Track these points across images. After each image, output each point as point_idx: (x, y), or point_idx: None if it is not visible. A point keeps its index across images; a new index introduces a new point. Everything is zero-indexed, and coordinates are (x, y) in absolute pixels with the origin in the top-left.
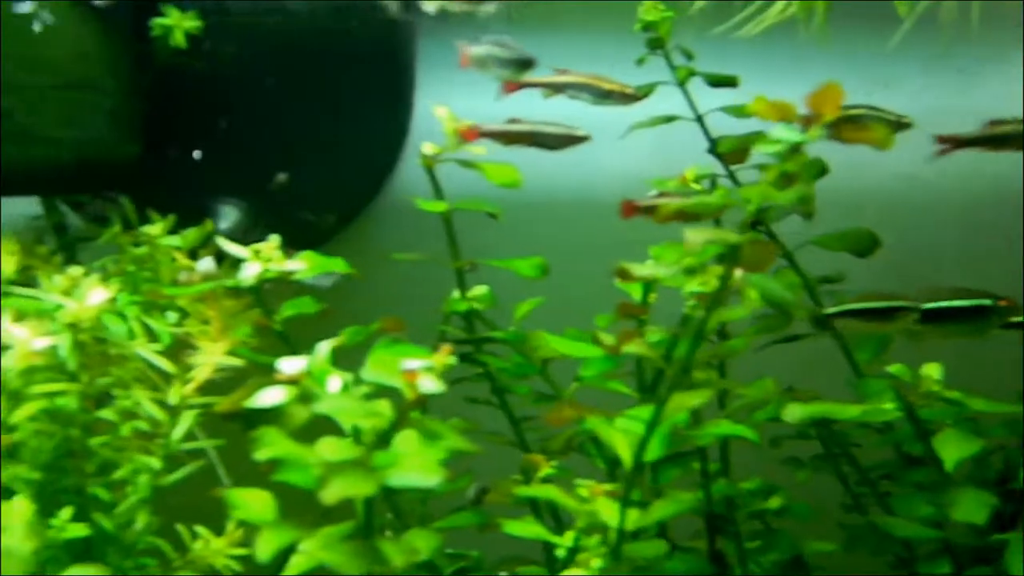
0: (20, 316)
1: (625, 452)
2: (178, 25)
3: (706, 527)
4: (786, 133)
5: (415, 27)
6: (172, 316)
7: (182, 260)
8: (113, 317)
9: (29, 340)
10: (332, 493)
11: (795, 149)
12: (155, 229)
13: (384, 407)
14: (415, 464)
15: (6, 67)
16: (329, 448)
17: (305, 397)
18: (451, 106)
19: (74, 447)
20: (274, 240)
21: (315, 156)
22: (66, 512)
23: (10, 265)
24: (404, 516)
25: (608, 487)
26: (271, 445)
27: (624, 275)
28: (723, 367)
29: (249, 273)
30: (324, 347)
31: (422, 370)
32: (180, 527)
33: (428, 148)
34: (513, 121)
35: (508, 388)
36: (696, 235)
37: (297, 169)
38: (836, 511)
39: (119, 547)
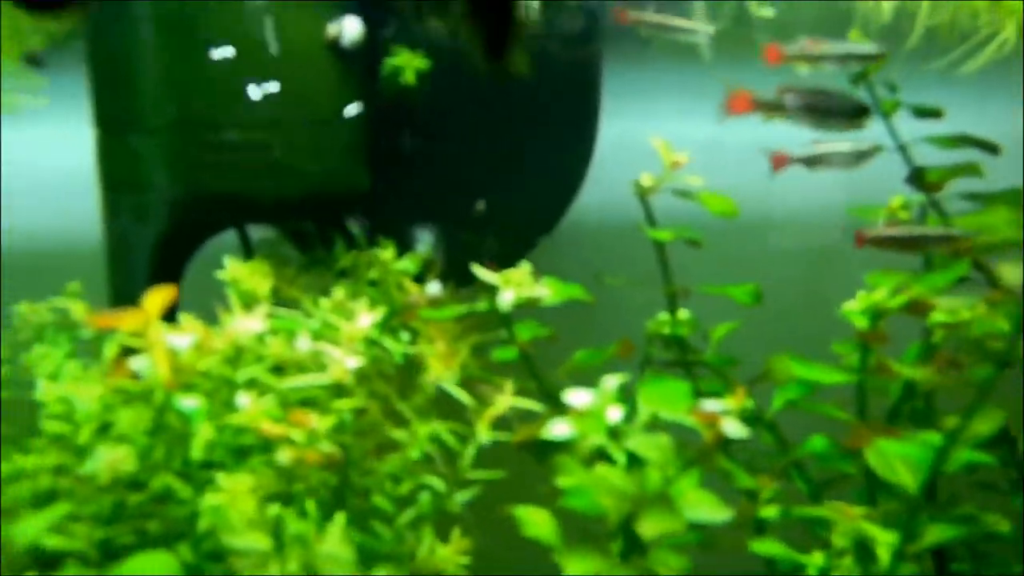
0: (319, 337)
1: (907, 478)
2: (409, 64)
3: (932, 553)
4: None
5: (602, 53)
6: (405, 337)
7: (408, 284)
8: (387, 337)
9: (343, 359)
10: (649, 529)
11: None
12: (387, 254)
13: (677, 446)
14: (702, 500)
15: (267, 104)
16: (630, 481)
17: (594, 430)
18: (631, 130)
19: (358, 460)
20: (525, 268)
21: (514, 183)
22: (340, 518)
23: (264, 286)
24: None
25: (860, 510)
26: (570, 473)
27: (855, 303)
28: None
29: (505, 299)
30: (611, 381)
31: (724, 413)
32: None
33: (646, 179)
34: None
35: None
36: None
37: (497, 196)
38: None
39: (397, 559)
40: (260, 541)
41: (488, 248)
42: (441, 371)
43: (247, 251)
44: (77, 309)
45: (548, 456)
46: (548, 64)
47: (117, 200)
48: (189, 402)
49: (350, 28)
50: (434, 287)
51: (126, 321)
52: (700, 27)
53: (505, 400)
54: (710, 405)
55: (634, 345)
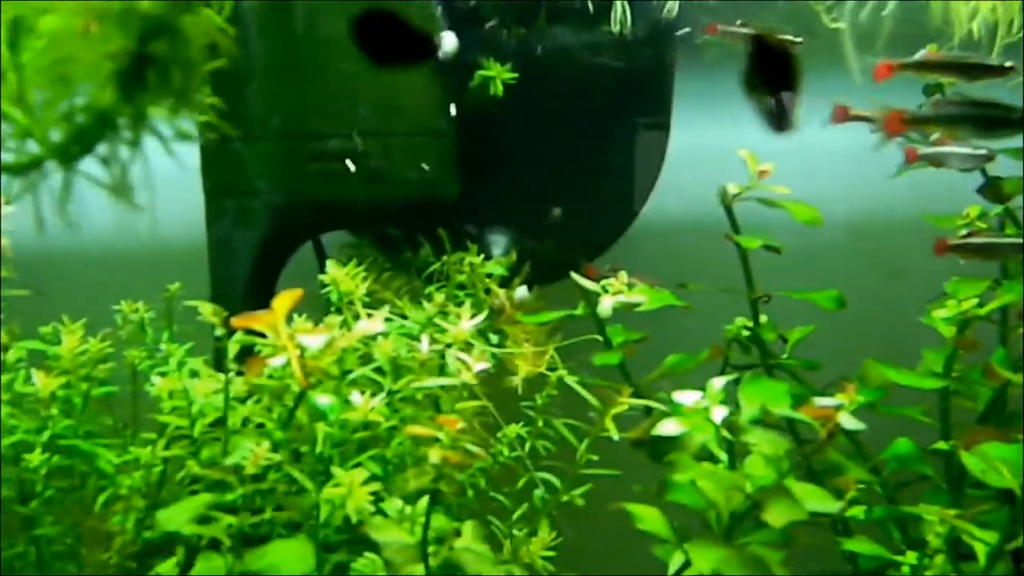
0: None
1: (1010, 479)
2: (498, 76)
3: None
4: None
5: (675, 61)
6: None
7: (494, 287)
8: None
9: (472, 364)
10: (776, 518)
11: None
12: (475, 258)
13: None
14: (812, 493)
15: (367, 115)
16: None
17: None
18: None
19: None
20: (622, 275)
21: (589, 189)
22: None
23: (361, 289)
24: None
25: (951, 512)
26: (683, 469)
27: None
28: None
29: (605, 306)
30: (718, 383)
31: (840, 408)
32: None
33: (732, 187)
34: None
35: None
36: None
37: (571, 202)
38: None
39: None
40: (404, 536)
41: (561, 253)
42: (529, 372)
43: (321, 259)
44: (206, 310)
45: (661, 453)
46: (634, 78)
47: (221, 205)
48: (323, 399)
49: (447, 42)
50: (522, 291)
51: (259, 321)
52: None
53: (625, 400)
54: (824, 401)
55: (724, 350)
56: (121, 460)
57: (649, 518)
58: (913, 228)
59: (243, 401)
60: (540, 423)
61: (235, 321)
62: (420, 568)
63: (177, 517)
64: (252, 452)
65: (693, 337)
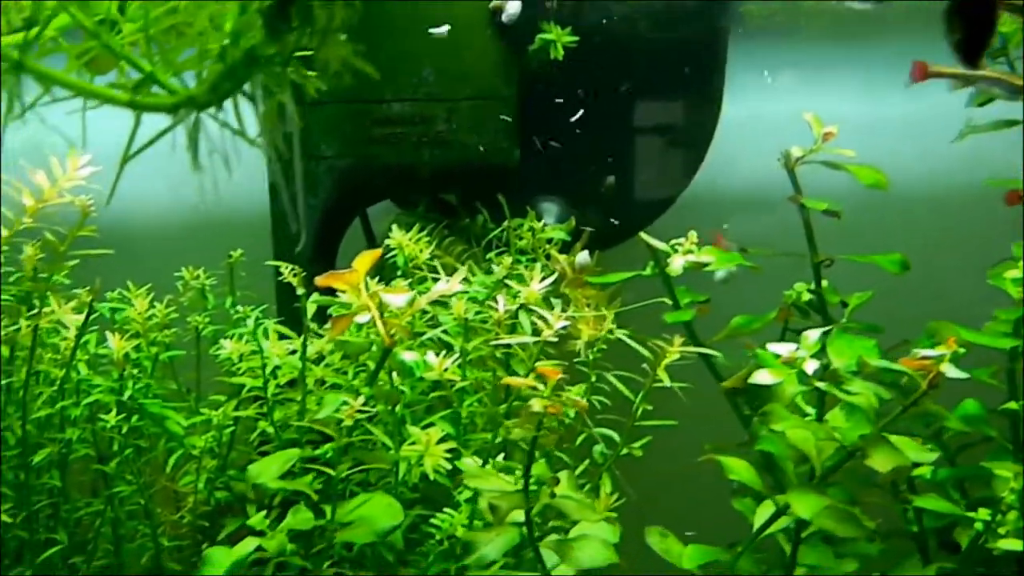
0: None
1: None
2: (558, 39)
3: None
4: None
5: (729, 30)
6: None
7: (554, 253)
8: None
9: (553, 320)
10: (881, 464)
11: None
12: (536, 223)
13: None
14: (906, 444)
15: (431, 80)
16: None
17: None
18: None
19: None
20: (692, 236)
21: (644, 158)
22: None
23: (424, 253)
24: None
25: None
26: (779, 420)
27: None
28: None
29: (676, 265)
30: (813, 335)
31: (942, 359)
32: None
33: (796, 151)
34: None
35: None
36: None
37: (626, 169)
38: None
39: None
40: (503, 484)
41: (614, 220)
42: (591, 336)
43: (367, 230)
44: (285, 270)
45: (757, 402)
46: (691, 48)
47: (285, 170)
48: (409, 355)
49: (511, 7)
50: (583, 256)
51: (342, 280)
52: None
53: (674, 352)
54: (927, 353)
55: (788, 312)
56: (190, 422)
57: (739, 469)
58: (964, 196)
59: (315, 362)
60: (593, 378)
61: (320, 280)
62: (521, 514)
63: (267, 471)
64: (348, 405)
65: (750, 303)
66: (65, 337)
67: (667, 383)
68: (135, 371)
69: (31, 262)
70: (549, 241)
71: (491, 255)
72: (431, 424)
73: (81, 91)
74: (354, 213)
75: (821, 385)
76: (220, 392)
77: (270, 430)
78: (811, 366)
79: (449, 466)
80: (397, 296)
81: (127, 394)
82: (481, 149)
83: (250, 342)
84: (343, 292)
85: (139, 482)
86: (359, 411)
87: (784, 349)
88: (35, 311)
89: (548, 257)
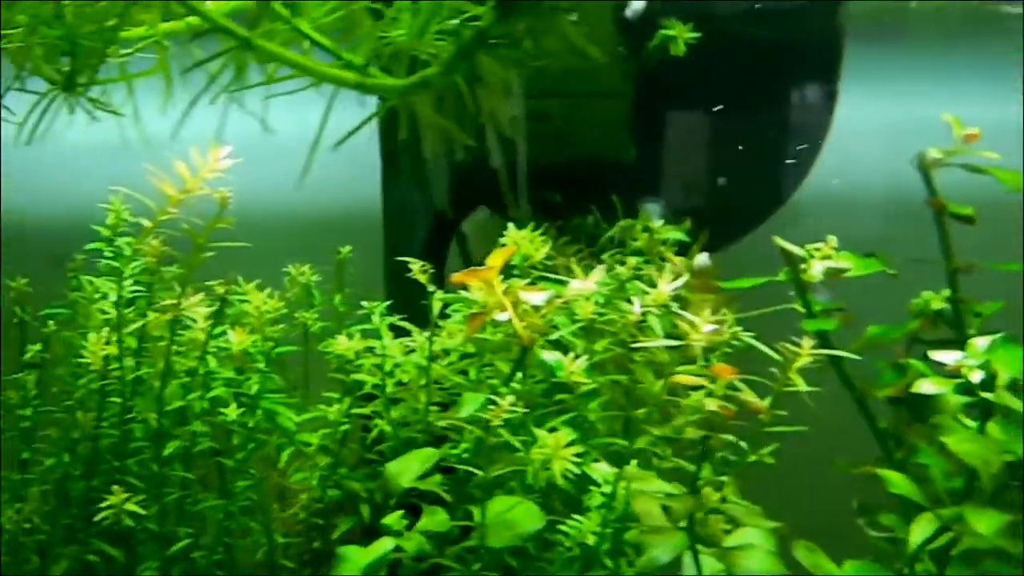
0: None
1: None
2: (680, 36)
3: None
4: None
5: (846, 32)
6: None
7: (670, 254)
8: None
9: (701, 326)
10: None
11: None
12: (653, 223)
13: None
14: None
15: (550, 76)
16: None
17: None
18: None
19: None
20: (832, 240)
21: (755, 156)
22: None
23: (541, 253)
24: None
25: None
26: (949, 432)
27: None
28: None
29: (816, 270)
30: (981, 342)
31: None
32: None
33: (935, 152)
34: None
35: None
36: None
37: (738, 169)
38: None
39: None
40: (665, 487)
41: (727, 220)
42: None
43: (459, 234)
44: (415, 266)
45: (922, 412)
46: (795, 37)
47: (398, 168)
48: (549, 355)
49: (635, 3)
50: (702, 258)
51: (476, 277)
52: None
53: (806, 355)
54: None
55: (927, 322)
56: (302, 418)
57: (899, 482)
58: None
59: (433, 360)
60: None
61: (455, 277)
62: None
63: (407, 470)
64: (496, 404)
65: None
66: (191, 328)
67: (801, 387)
68: (255, 365)
69: (155, 252)
70: (664, 242)
71: (605, 256)
72: (554, 429)
73: (308, 71)
74: (466, 212)
75: (989, 396)
76: (327, 389)
77: (388, 429)
78: (976, 376)
79: (577, 470)
80: (536, 294)
81: (254, 389)
82: (597, 146)
83: (367, 338)
84: (476, 289)
85: (256, 477)
86: (506, 411)
87: (949, 357)
88: (161, 304)
89: (662, 259)
